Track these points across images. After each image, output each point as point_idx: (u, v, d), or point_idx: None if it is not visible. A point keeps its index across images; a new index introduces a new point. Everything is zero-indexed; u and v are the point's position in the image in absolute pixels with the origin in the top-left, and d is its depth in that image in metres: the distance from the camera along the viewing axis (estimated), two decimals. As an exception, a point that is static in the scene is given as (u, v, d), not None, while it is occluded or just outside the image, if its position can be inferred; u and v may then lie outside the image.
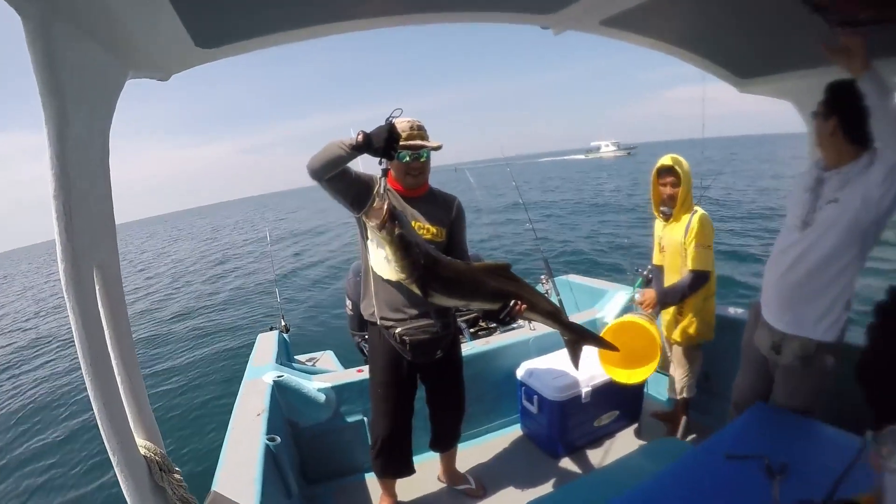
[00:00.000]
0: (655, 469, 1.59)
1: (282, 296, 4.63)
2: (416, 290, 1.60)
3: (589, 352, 2.87)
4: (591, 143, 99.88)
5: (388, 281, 1.85)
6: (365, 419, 2.66)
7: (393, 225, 1.51)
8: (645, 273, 3.30)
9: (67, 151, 0.81)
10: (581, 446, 2.75)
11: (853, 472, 1.39)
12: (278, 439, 2.03)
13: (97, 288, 0.92)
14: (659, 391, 3.12)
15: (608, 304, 3.41)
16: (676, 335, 2.63)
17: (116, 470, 0.91)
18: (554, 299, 3.64)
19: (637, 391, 2.90)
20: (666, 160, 2.53)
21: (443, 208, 2.05)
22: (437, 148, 1.95)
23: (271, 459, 1.96)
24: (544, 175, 45.82)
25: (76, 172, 0.83)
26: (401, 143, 1.68)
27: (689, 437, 2.71)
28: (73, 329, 0.83)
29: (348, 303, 3.78)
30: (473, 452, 2.78)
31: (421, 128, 1.93)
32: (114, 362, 0.95)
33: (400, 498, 2.45)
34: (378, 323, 2.01)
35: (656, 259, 2.76)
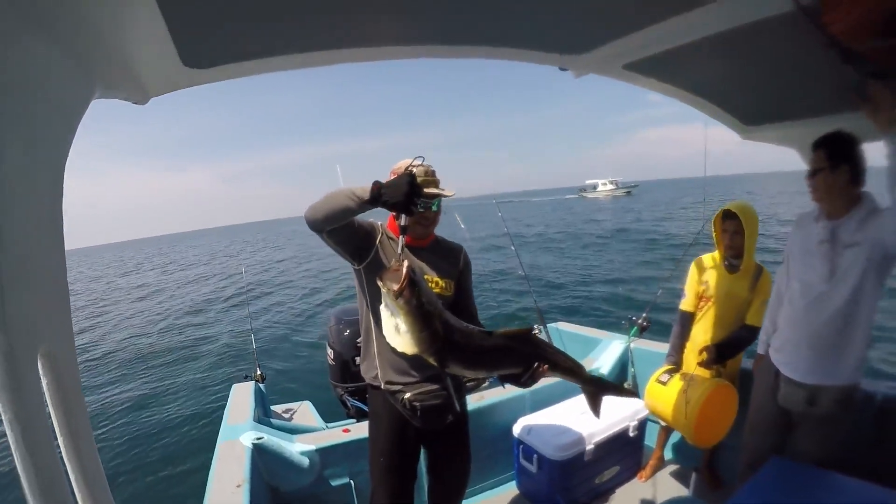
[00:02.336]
0: None
1: (251, 336, 4.34)
2: (433, 363, 1.43)
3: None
4: (586, 181, 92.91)
5: None
6: (352, 482, 2.46)
7: (412, 292, 1.32)
8: (639, 322, 3.24)
9: (2, 187, 0.57)
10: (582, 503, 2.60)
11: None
12: None
13: (44, 383, 0.66)
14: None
15: (603, 354, 3.32)
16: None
17: None
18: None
19: (638, 444, 2.80)
20: (731, 205, 2.43)
21: (449, 259, 1.92)
22: (451, 196, 1.80)
23: None
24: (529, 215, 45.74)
25: (14, 220, 0.60)
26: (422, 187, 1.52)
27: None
28: (17, 457, 0.58)
29: (330, 352, 3.60)
30: None
31: (434, 173, 1.78)
32: (72, 477, 0.68)
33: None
34: (382, 387, 1.82)
35: (690, 306, 2.61)
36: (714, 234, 2.56)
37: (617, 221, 29.57)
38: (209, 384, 7.76)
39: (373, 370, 1.84)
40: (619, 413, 2.67)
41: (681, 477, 2.79)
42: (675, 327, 2.64)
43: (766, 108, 2.16)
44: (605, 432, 2.56)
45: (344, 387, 3.43)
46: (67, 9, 0.69)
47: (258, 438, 2.26)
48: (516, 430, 2.68)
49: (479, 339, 1.50)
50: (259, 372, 3.46)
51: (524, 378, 1.55)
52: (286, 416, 3.41)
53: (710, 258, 2.58)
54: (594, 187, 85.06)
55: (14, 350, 0.57)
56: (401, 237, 1.49)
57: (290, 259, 29.43)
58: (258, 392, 2.95)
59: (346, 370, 3.40)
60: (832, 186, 1.76)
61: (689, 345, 2.60)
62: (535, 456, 2.55)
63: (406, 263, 1.35)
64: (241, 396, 2.82)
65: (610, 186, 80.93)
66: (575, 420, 2.61)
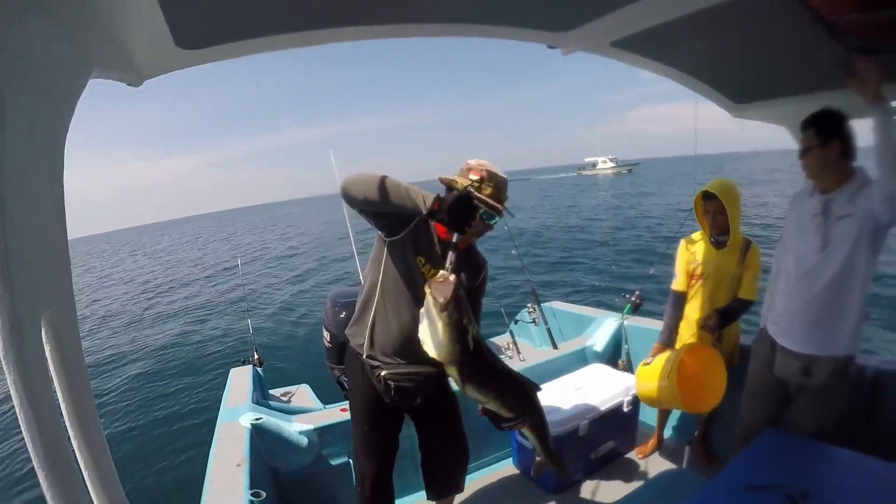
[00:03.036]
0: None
1: (247, 321, 4.37)
2: (453, 375, 1.50)
3: (585, 383, 2.81)
4: (586, 158, 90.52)
5: (391, 325, 1.80)
6: (351, 461, 2.50)
7: (455, 307, 1.40)
8: (633, 299, 3.27)
9: (5, 162, 0.61)
10: (578, 479, 2.66)
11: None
12: (263, 494, 1.85)
13: (46, 345, 0.69)
14: (651, 418, 3.07)
15: (597, 332, 3.36)
16: None
17: None
18: (542, 328, 3.58)
19: (632, 420, 2.84)
20: (710, 186, 2.46)
21: (472, 271, 1.94)
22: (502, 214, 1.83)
23: None
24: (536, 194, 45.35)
25: (17, 192, 0.63)
26: (478, 201, 1.65)
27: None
28: (20, 413, 0.62)
29: (326, 334, 3.61)
30: (466, 490, 2.64)
31: (506, 185, 1.80)
32: (74, 442, 0.71)
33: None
34: (364, 357, 1.86)
35: (681, 285, 2.64)
36: (697, 216, 2.59)
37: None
38: (205, 370, 7.81)
39: (360, 338, 1.88)
40: (612, 389, 2.71)
41: (675, 451, 2.85)
42: (667, 307, 2.68)
43: (756, 85, 2.17)
44: (599, 408, 2.60)
45: (341, 368, 3.45)
46: None
47: (257, 419, 2.29)
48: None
49: (500, 367, 1.62)
50: (256, 356, 3.50)
51: (505, 424, 1.65)
52: (284, 399, 3.45)
53: (699, 236, 2.61)
54: (593, 165, 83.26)
55: (19, 316, 0.61)
56: (451, 252, 1.54)
57: (280, 243, 29.32)
58: (256, 376, 2.98)
59: (343, 351, 3.43)
60: (824, 163, 1.78)
61: (682, 323, 2.63)
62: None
63: (454, 279, 1.43)
64: (240, 380, 2.85)
65: (610, 164, 78.96)
66: (570, 397, 2.65)
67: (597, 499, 2.55)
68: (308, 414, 2.64)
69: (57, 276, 0.74)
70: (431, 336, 1.43)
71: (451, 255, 1.52)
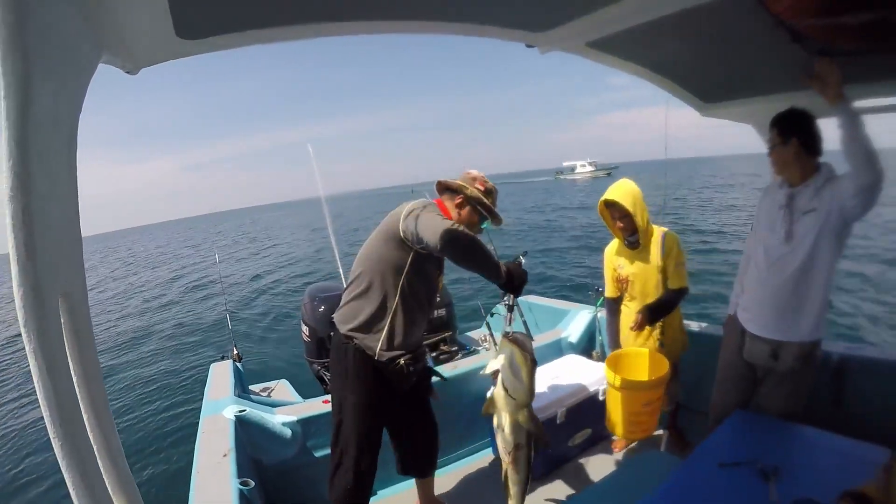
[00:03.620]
0: (647, 484, 1.59)
1: (226, 317, 4.33)
2: (524, 414, 1.70)
3: (561, 373, 2.89)
4: (563, 163, 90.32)
5: (412, 325, 2.01)
6: (336, 451, 2.53)
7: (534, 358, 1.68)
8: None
9: (30, 137, 0.61)
10: (557, 466, 2.73)
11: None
12: (252, 483, 1.88)
13: (63, 324, 0.72)
14: None
15: (571, 323, 3.46)
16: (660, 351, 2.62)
17: None
18: (518, 321, 3.66)
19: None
20: (608, 193, 2.48)
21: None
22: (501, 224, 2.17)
23: None
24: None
25: (39, 168, 0.64)
26: (485, 209, 2.03)
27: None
28: (37, 384, 0.64)
29: (305, 329, 3.63)
30: (448, 479, 2.69)
31: (496, 195, 2.11)
32: (85, 417, 0.74)
33: (379, 533, 2.32)
34: (376, 358, 1.97)
35: (611, 292, 2.73)
36: (607, 225, 2.65)
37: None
38: (183, 368, 7.73)
39: (372, 341, 1.96)
40: (587, 378, 2.80)
41: (652, 437, 2.95)
42: (606, 317, 2.78)
43: (724, 85, 2.28)
44: (575, 397, 2.68)
45: (321, 363, 3.48)
46: None
47: (241, 411, 2.30)
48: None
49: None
50: (236, 351, 3.48)
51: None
52: (264, 394, 3.44)
53: (615, 243, 2.69)
54: (572, 169, 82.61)
55: (41, 289, 0.63)
56: (514, 308, 2.01)
57: (259, 244, 29.03)
58: (236, 370, 2.97)
59: (322, 346, 3.45)
60: (786, 159, 1.88)
61: (622, 327, 2.72)
62: (509, 420, 2.65)
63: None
64: (221, 374, 2.84)
65: (589, 168, 78.72)
66: (546, 386, 2.72)
67: (576, 483, 2.63)
68: (290, 406, 2.65)
69: (72, 259, 0.77)
70: (513, 382, 1.67)
71: (516, 312, 1.91)
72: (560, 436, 2.71)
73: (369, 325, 1.97)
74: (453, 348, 3.86)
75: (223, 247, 31.19)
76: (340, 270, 3.69)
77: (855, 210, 1.72)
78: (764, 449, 1.65)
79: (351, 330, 1.98)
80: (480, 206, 2.03)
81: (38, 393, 0.64)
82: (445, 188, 2.08)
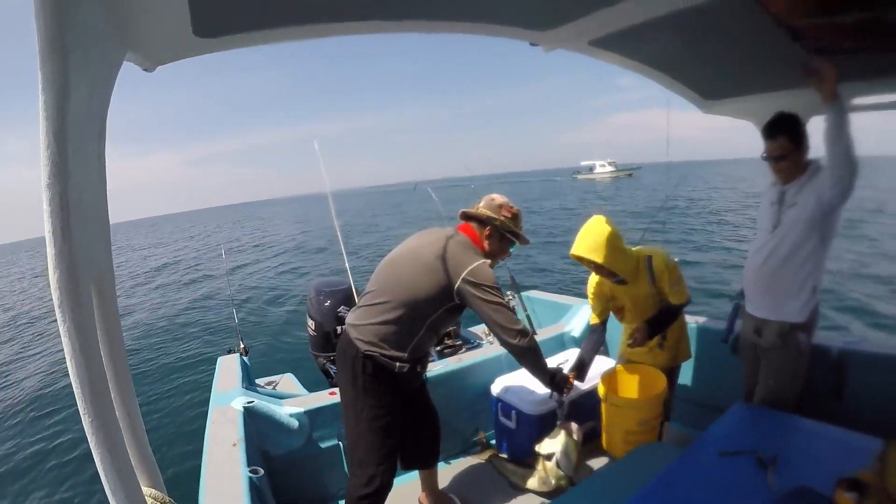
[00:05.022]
0: (648, 473, 1.62)
1: (232, 311, 4.40)
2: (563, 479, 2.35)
3: (564, 367, 2.92)
4: (582, 162, 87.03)
5: (431, 342, 2.13)
6: (340, 444, 2.57)
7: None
8: None
9: (66, 129, 0.65)
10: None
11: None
12: (261, 471, 1.92)
13: (95, 310, 0.76)
14: None
15: (574, 318, 3.49)
16: (662, 359, 2.59)
17: None
18: (521, 315, 3.70)
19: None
20: (574, 248, 2.34)
21: None
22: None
23: (256, 494, 1.84)
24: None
25: (74, 158, 0.67)
26: (514, 236, 2.16)
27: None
28: (70, 362, 0.68)
29: (311, 323, 3.67)
30: (452, 471, 2.73)
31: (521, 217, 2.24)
32: (113, 397, 0.79)
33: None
34: (406, 370, 2.02)
35: (596, 319, 2.65)
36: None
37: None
38: (189, 363, 7.79)
39: (398, 352, 2.00)
40: (590, 372, 2.83)
41: None
42: (588, 336, 2.72)
43: (725, 83, 2.31)
44: (577, 391, 2.71)
45: (326, 356, 3.52)
46: None
47: (249, 402, 2.34)
48: (495, 389, 2.82)
49: None
50: (242, 345, 3.52)
51: None
52: (269, 388, 3.48)
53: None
54: (591, 169, 79.28)
55: (76, 272, 0.67)
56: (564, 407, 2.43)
57: (262, 239, 29.14)
58: (243, 364, 3.01)
59: (328, 340, 3.49)
60: (797, 162, 2.00)
61: (621, 340, 2.72)
62: (513, 412, 2.70)
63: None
64: (228, 367, 2.88)
65: (609, 168, 75.84)
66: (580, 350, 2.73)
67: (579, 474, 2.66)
68: (297, 398, 2.70)
69: (103, 245, 0.82)
70: (567, 464, 2.33)
71: (565, 408, 2.42)
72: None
73: (394, 345, 1.99)
74: (458, 342, 3.89)
75: (226, 241, 31.35)
76: (346, 262, 3.72)
77: (832, 200, 1.86)
78: (763, 439, 1.70)
79: (373, 345, 1.98)
80: (510, 233, 2.14)
81: (70, 371, 0.68)
82: (471, 218, 2.16)
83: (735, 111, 2.52)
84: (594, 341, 2.66)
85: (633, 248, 2.41)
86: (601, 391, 2.48)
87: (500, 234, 2.14)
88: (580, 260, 2.37)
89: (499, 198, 2.18)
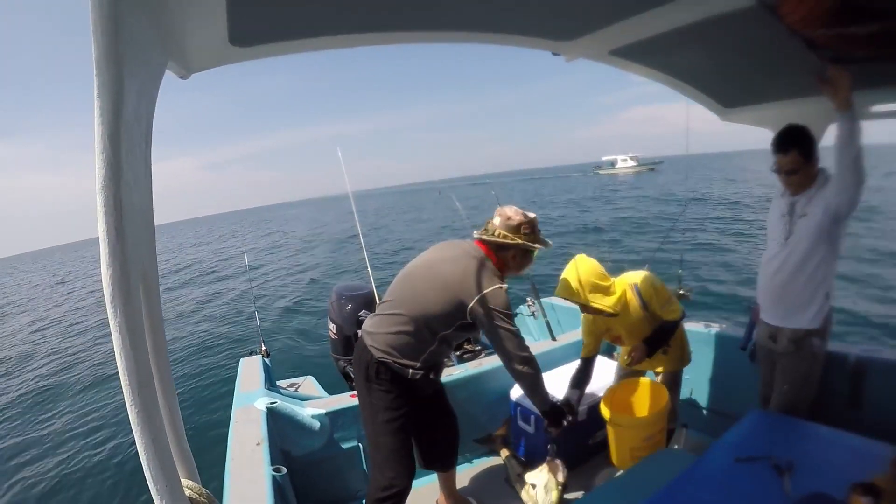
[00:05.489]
0: (663, 480, 1.63)
1: (254, 313, 4.49)
2: None
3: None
4: (603, 157, 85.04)
5: (445, 355, 2.22)
6: (360, 445, 2.62)
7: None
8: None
9: (120, 132, 0.69)
10: (577, 463, 2.77)
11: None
12: (284, 470, 1.98)
13: (142, 303, 0.81)
14: None
15: None
16: (662, 366, 2.63)
17: None
18: (541, 320, 3.72)
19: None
20: (558, 290, 2.37)
21: None
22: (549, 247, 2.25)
23: (278, 492, 1.90)
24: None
25: (126, 161, 0.71)
26: (536, 241, 2.15)
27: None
28: (119, 356, 0.71)
29: (332, 326, 3.73)
30: (470, 475, 2.77)
31: (536, 224, 2.21)
32: (156, 389, 0.83)
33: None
34: (409, 375, 2.06)
35: (588, 352, 2.64)
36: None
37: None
38: (211, 366, 7.96)
39: (411, 361, 2.05)
40: (609, 378, 2.83)
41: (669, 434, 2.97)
42: (578, 367, 2.68)
43: (743, 91, 2.33)
44: (596, 396, 2.73)
45: (346, 359, 3.57)
46: None
47: (272, 403, 2.40)
48: (514, 394, 2.85)
49: None
50: (264, 348, 3.60)
51: None
52: (291, 389, 3.55)
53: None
54: (612, 164, 77.89)
55: (127, 270, 0.71)
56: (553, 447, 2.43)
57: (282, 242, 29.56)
58: (265, 366, 3.09)
59: (349, 343, 3.54)
60: (809, 174, 2.03)
61: (621, 354, 2.76)
62: (532, 417, 2.71)
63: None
64: (251, 368, 2.95)
65: (631, 163, 74.02)
66: (568, 384, 2.77)
67: (595, 480, 2.69)
68: (319, 400, 2.76)
69: (149, 245, 0.87)
70: (544, 494, 2.33)
71: (553, 448, 2.42)
72: (580, 433, 2.76)
73: (407, 355, 2.04)
74: (477, 348, 3.92)
75: (248, 245, 31.85)
76: (368, 266, 3.77)
77: (840, 208, 1.89)
78: (779, 446, 1.69)
79: (386, 353, 2.04)
80: (533, 245, 2.15)
81: (118, 364, 0.72)
82: (490, 244, 2.14)
83: (753, 119, 2.53)
84: (580, 379, 2.62)
85: (617, 279, 2.41)
86: (605, 412, 2.47)
87: (524, 251, 2.16)
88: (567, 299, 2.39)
89: (513, 214, 2.14)
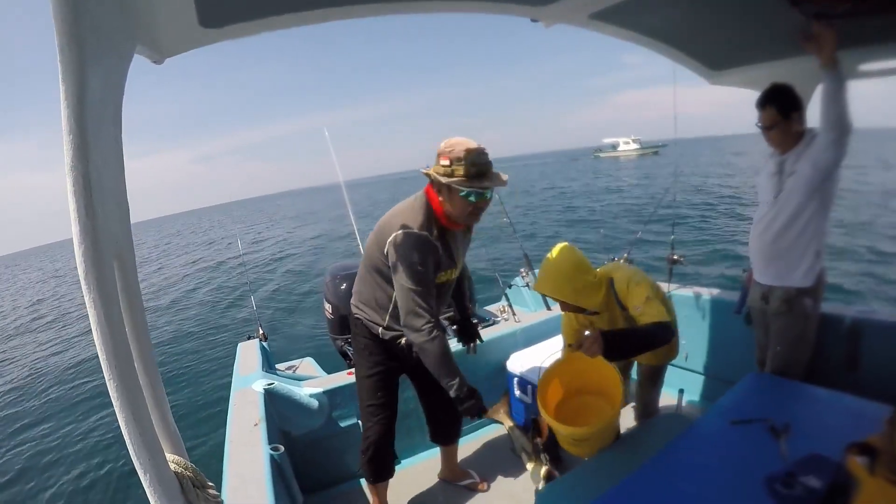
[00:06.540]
0: (662, 443, 1.63)
1: (251, 298, 4.48)
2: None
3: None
4: (604, 140, 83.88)
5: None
6: (360, 423, 2.63)
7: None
8: (621, 260, 3.36)
9: (85, 114, 0.70)
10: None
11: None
12: (282, 449, 1.98)
13: (118, 284, 0.82)
14: None
15: None
16: (645, 358, 2.26)
17: (148, 491, 0.82)
18: (540, 297, 3.70)
19: (624, 372, 2.97)
20: (537, 285, 2.03)
21: (467, 242, 2.12)
22: (504, 183, 1.81)
23: (277, 471, 1.91)
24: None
25: (93, 142, 0.72)
26: (463, 178, 1.71)
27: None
28: (95, 331, 0.73)
29: (328, 306, 3.71)
30: (469, 447, 2.79)
31: (487, 156, 1.77)
32: (136, 366, 0.84)
33: (403, 499, 2.44)
34: (388, 337, 2.05)
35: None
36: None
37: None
38: (209, 355, 8.01)
39: (379, 322, 2.05)
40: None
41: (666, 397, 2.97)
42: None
43: (730, 52, 2.27)
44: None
45: (344, 338, 3.56)
46: None
47: (269, 384, 2.40)
48: (510, 365, 2.86)
49: None
50: (262, 331, 3.59)
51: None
52: (290, 371, 3.56)
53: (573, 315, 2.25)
54: (613, 147, 76.23)
55: (99, 246, 0.73)
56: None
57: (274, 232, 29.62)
58: (263, 349, 3.08)
59: (344, 322, 3.52)
60: (787, 132, 2.03)
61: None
62: (528, 387, 2.73)
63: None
64: (248, 352, 2.95)
65: (633, 146, 72.10)
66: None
67: None
68: (316, 379, 2.76)
69: (123, 225, 0.87)
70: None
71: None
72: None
73: (372, 311, 2.06)
74: (474, 321, 3.92)
75: (240, 234, 31.81)
76: (361, 248, 3.75)
77: (828, 162, 1.88)
78: (776, 408, 1.69)
79: (358, 308, 2.10)
80: (455, 182, 1.73)
81: (95, 339, 0.73)
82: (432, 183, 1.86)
83: (742, 81, 2.48)
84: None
85: (599, 270, 2.08)
86: (551, 423, 1.88)
87: (448, 188, 1.77)
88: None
89: (441, 144, 1.77)
